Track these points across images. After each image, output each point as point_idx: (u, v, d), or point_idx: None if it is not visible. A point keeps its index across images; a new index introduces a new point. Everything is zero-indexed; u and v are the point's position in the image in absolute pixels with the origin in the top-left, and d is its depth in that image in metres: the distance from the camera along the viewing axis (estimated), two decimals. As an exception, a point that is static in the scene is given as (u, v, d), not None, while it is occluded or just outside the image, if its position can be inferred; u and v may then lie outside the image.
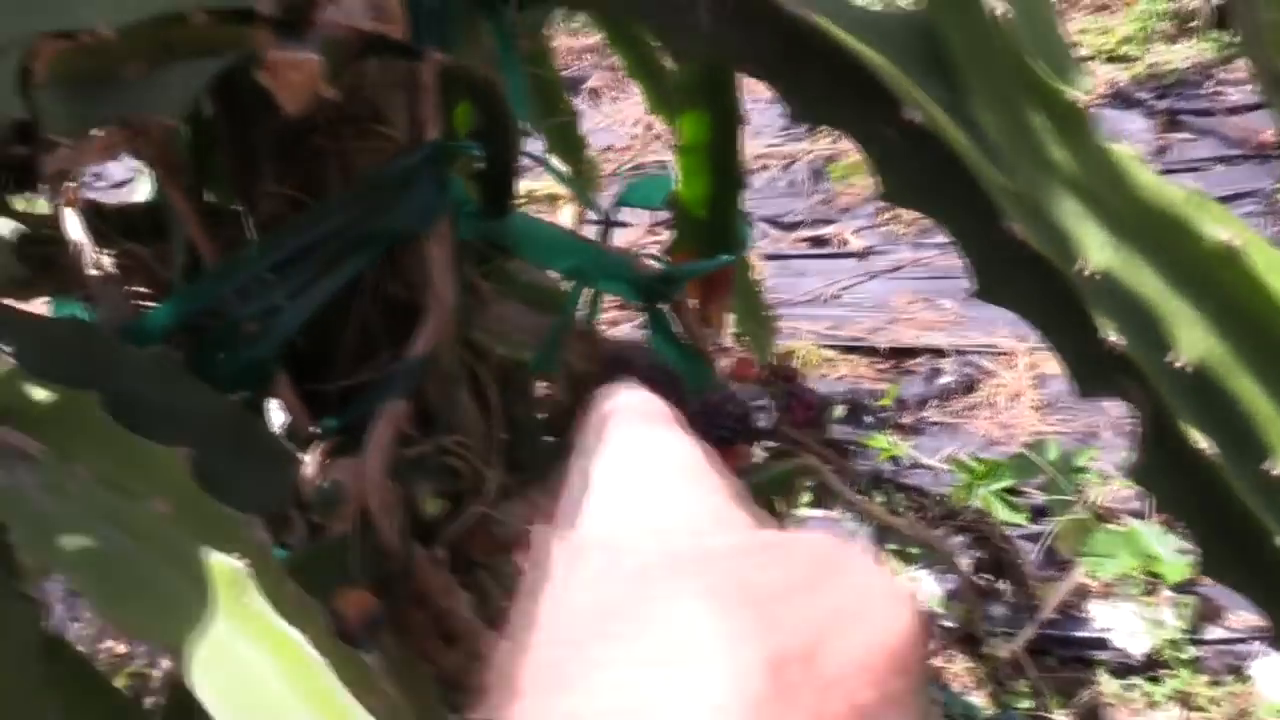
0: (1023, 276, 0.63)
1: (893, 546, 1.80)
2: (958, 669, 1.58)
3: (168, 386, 0.76)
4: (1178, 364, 0.54)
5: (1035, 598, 1.63)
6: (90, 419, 0.55)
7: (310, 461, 0.79)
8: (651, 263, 1.09)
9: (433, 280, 0.86)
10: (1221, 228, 0.51)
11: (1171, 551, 1.62)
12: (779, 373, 0.77)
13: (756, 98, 3.79)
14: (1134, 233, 0.54)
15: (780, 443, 0.79)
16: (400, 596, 0.81)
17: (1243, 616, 1.60)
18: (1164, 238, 0.53)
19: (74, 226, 1.00)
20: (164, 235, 1.03)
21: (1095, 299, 0.56)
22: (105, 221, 1.04)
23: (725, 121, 1.06)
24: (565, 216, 1.84)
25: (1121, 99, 2.92)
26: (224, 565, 0.44)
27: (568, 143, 1.48)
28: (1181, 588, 1.63)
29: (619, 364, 0.92)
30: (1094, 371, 0.63)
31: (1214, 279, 0.52)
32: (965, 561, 1.57)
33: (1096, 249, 0.54)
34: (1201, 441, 0.56)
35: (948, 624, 1.60)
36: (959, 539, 1.67)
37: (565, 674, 0.29)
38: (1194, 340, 0.53)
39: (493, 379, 1.01)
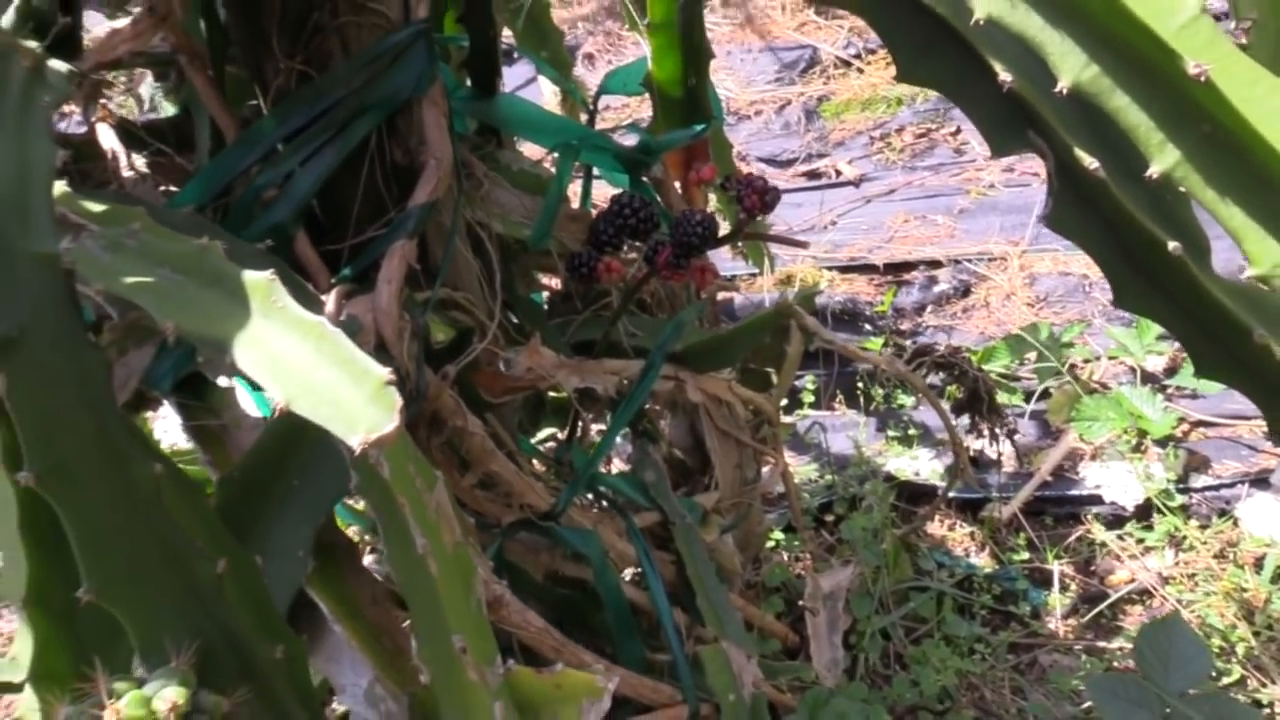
0: (935, 49, 0.71)
1: (893, 434, 1.88)
2: (959, 535, 1.66)
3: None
4: (1061, 90, 0.62)
5: (1032, 465, 1.71)
6: (136, 217, 0.65)
7: (330, 300, 0.88)
8: (633, 137, 1.18)
9: (428, 138, 0.95)
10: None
11: (1158, 410, 1.70)
12: (735, 176, 0.85)
13: (747, 47, 3.86)
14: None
15: (744, 240, 0.87)
16: (416, 418, 0.90)
17: (1228, 465, 1.67)
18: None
19: (108, 137, 1.10)
20: (187, 145, 1.13)
21: (987, 46, 0.64)
22: (133, 136, 1.14)
23: (689, -7, 1.14)
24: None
25: None
26: (256, 278, 0.54)
27: (556, 64, 1.56)
28: (1169, 442, 1.70)
29: (600, 217, 1.01)
30: (1002, 128, 0.72)
31: (1084, 8, 0.60)
32: (945, 402, 1.65)
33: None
34: (1090, 161, 0.64)
35: (949, 496, 1.68)
36: (938, 377, 1.75)
37: None
38: (1073, 67, 0.62)
39: (494, 250, 1.10)
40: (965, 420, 1.61)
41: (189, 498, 0.67)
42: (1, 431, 0.76)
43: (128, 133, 1.12)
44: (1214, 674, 1.31)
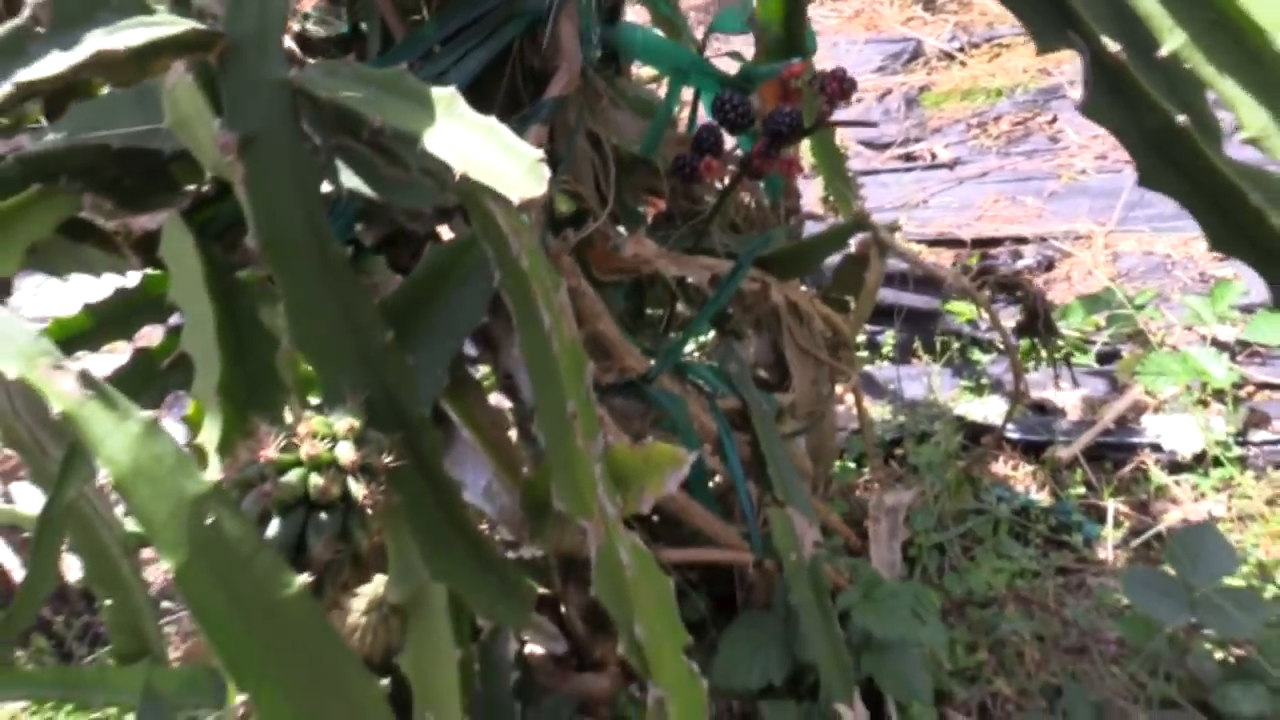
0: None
1: (965, 384, 1.99)
2: (1021, 474, 1.76)
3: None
4: (1089, -18, 0.75)
5: (1096, 416, 1.80)
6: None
7: (474, 171, 1.05)
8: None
9: (563, 46, 1.12)
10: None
11: (1223, 368, 1.77)
12: (821, 73, 0.99)
13: (852, 39, 3.98)
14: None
15: (827, 126, 1.01)
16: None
17: (1289, 423, 1.74)
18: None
19: (286, 41, 1.29)
20: (355, 57, 1.31)
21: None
22: (308, 43, 1.34)
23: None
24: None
25: None
26: (442, 91, 0.71)
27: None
28: (1230, 397, 1.77)
29: (703, 126, 1.16)
30: (1047, 26, 0.85)
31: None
32: (1008, 321, 1.76)
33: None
34: (1113, 45, 0.77)
35: (1014, 438, 1.78)
36: (1001, 300, 1.85)
37: None
38: (1100, -38, 0.75)
39: (609, 151, 1.27)
40: (1024, 347, 1.70)
41: (362, 290, 0.85)
42: (202, 261, 0.96)
43: (303, 41, 1.32)
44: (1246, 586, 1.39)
